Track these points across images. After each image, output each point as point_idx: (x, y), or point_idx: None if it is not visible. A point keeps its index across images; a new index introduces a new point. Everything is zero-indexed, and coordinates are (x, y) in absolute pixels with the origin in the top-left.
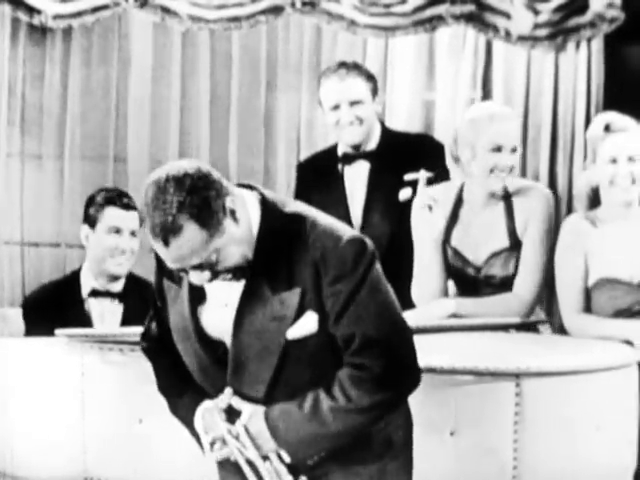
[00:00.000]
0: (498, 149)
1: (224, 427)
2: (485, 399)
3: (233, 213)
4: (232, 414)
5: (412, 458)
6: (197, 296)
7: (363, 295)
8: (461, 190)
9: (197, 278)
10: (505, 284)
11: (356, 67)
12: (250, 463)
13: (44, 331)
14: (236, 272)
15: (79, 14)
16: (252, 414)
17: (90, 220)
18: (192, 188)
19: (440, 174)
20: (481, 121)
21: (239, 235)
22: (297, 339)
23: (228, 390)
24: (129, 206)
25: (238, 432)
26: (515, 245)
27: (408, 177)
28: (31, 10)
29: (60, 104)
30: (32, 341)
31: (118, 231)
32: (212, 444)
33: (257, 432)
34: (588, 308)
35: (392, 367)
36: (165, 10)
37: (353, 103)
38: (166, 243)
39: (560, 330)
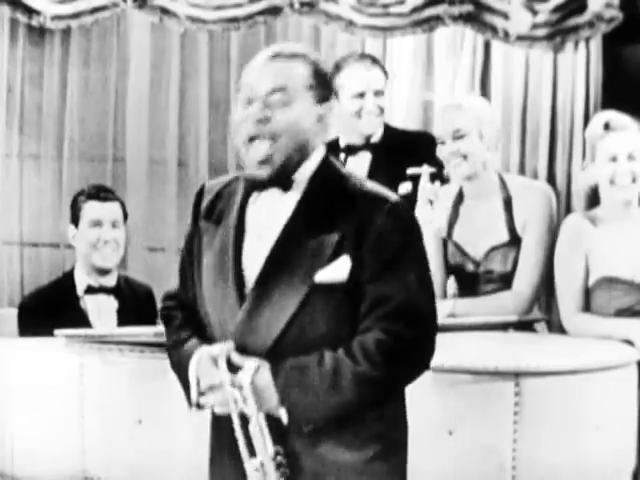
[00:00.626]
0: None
1: (226, 375)
2: (484, 398)
3: (321, 117)
4: (230, 365)
5: (405, 462)
6: (240, 229)
7: (409, 261)
8: (461, 187)
9: (255, 152)
10: (503, 280)
11: (376, 60)
12: (243, 418)
13: (41, 333)
14: (282, 175)
15: (78, 15)
16: (259, 367)
17: (74, 219)
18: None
19: (440, 171)
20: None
21: (302, 131)
22: (324, 285)
23: (230, 343)
24: (107, 198)
25: (242, 383)
26: (514, 241)
27: (411, 171)
28: (30, 11)
29: (59, 105)
30: (31, 341)
31: (99, 223)
32: (202, 393)
33: (262, 387)
34: (587, 307)
35: (421, 341)
36: (164, 11)
37: (377, 93)
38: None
39: (559, 329)
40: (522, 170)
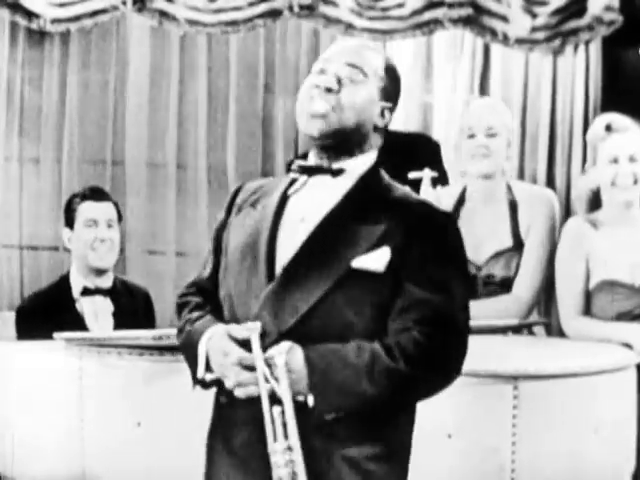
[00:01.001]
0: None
1: (259, 353)
2: (483, 401)
3: (383, 113)
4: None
5: (407, 465)
6: (279, 212)
7: (453, 269)
8: (464, 190)
9: (314, 105)
10: (505, 284)
11: None
12: (272, 398)
13: (38, 337)
14: (333, 146)
15: (77, 18)
16: (291, 348)
17: (69, 222)
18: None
19: (439, 173)
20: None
21: (363, 114)
22: (359, 272)
23: (258, 323)
24: (102, 198)
25: (276, 362)
26: (518, 246)
27: (412, 175)
28: (29, 14)
29: (58, 108)
30: (31, 345)
31: (95, 223)
32: (209, 370)
33: (294, 368)
34: (587, 311)
35: (456, 347)
36: (163, 14)
37: None
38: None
39: (558, 333)
40: (521, 173)
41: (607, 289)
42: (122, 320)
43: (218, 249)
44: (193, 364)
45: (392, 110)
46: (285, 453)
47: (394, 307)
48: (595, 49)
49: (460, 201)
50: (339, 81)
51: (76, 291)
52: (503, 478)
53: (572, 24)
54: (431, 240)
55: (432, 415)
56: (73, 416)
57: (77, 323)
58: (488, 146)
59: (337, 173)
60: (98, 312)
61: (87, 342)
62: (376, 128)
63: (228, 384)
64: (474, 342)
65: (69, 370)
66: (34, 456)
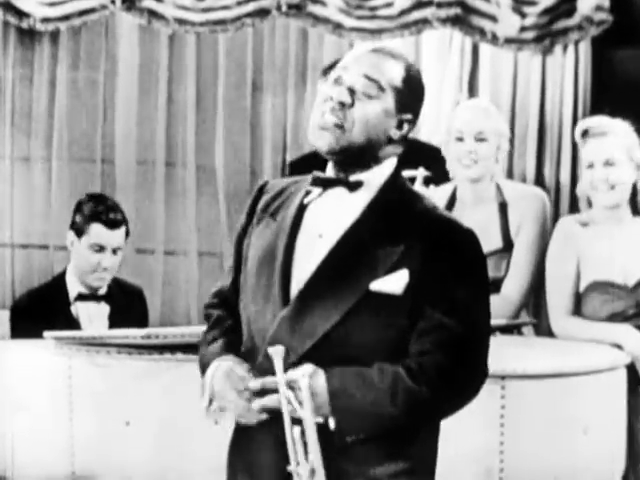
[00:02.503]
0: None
1: (282, 376)
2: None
3: (401, 124)
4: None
5: None
6: (296, 226)
7: (475, 291)
8: (454, 191)
9: (322, 120)
10: (494, 285)
11: None
12: (294, 421)
13: (32, 335)
14: (343, 161)
15: (67, 17)
16: (315, 371)
17: (76, 228)
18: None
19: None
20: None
21: (375, 129)
22: (377, 295)
23: (281, 347)
24: (115, 223)
25: (300, 385)
26: (508, 247)
27: (406, 174)
28: (20, 14)
29: (48, 106)
30: (20, 343)
31: (102, 249)
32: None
33: (315, 391)
34: (577, 312)
35: (476, 372)
36: (152, 13)
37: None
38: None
39: (547, 333)
40: (510, 173)
41: (599, 290)
42: (117, 321)
43: (239, 256)
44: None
45: (412, 121)
46: (308, 476)
47: (415, 329)
48: (584, 49)
49: (451, 202)
50: (353, 94)
51: (72, 295)
52: (491, 478)
53: (561, 24)
54: (451, 261)
55: None
56: (63, 415)
57: (72, 325)
58: (477, 151)
59: (355, 186)
60: (93, 317)
61: (77, 341)
62: (390, 140)
63: (254, 407)
64: None
65: (59, 369)
66: (23, 453)
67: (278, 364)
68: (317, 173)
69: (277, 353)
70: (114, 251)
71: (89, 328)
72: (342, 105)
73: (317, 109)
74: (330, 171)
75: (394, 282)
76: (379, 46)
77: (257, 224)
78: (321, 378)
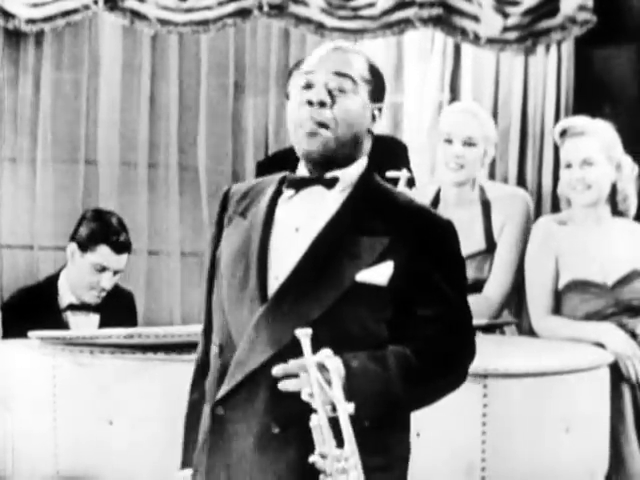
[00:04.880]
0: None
1: (310, 357)
2: (452, 400)
3: (374, 115)
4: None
5: (406, 476)
6: (269, 222)
7: (458, 279)
8: (438, 192)
9: (309, 125)
10: (478, 286)
11: None
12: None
13: (23, 336)
14: (330, 161)
15: (50, 18)
16: (330, 354)
17: (80, 242)
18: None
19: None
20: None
21: (358, 123)
22: (362, 286)
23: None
24: (123, 248)
25: (328, 367)
26: (491, 248)
27: (390, 175)
28: (6, 15)
29: (32, 107)
30: (4, 343)
31: (103, 270)
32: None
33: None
34: (557, 310)
35: (470, 352)
36: (134, 13)
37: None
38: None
39: (529, 333)
40: (492, 174)
41: (578, 289)
42: (107, 326)
43: (214, 262)
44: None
45: (381, 109)
46: (340, 461)
47: (407, 315)
48: (567, 49)
49: (434, 203)
50: (331, 93)
51: (63, 304)
52: (473, 477)
53: (544, 24)
54: (438, 252)
55: None
56: (46, 414)
57: (62, 329)
58: (464, 156)
59: (331, 183)
60: (83, 325)
61: (61, 341)
62: (369, 131)
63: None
64: None
65: (43, 368)
66: (6, 453)
67: (306, 346)
68: (291, 175)
69: (306, 335)
70: (115, 273)
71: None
72: (323, 105)
73: (297, 116)
74: (303, 169)
75: (380, 273)
76: (337, 44)
77: (228, 226)
78: (338, 362)
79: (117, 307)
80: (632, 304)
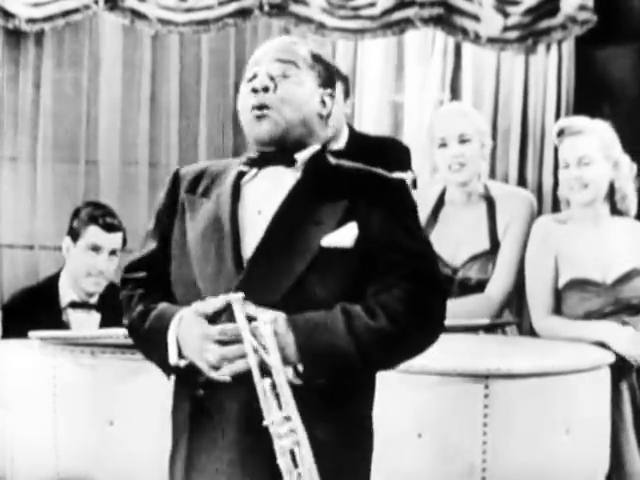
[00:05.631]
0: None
1: (245, 324)
2: (454, 400)
3: (324, 101)
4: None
5: (370, 460)
6: (235, 203)
7: (417, 230)
8: (443, 192)
9: (256, 112)
10: (481, 286)
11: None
12: (262, 370)
13: (23, 336)
14: (283, 142)
15: (50, 18)
16: (277, 317)
17: (73, 234)
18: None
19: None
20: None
21: (305, 106)
22: (330, 250)
23: (241, 293)
24: (112, 227)
25: (263, 333)
26: (495, 248)
27: (394, 176)
28: (6, 14)
29: (33, 107)
30: (5, 343)
31: (97, 249)
32: (182, 357)
33: (281, 338)
34: (557, 309)
35: (438, 302)
36: (135, 13)
37: None
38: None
39: (530, 332)
40: (492, 173)
41: (577, 288)
42: (108, 326)
43: (161, 235)
44: (160, 353)
45: (332, 95)
46: (284, 423)
47: (371, 275)
48: (568, 48)
49: (439, 203)
50: (273, 79)
51: (64, 302)
52: (474, 478)
53: (545, 23)
54: (396, 208)
55: (402, 414)
56: (46, 414)
57: (62, 329)
58: (463, 154)
59: (290, 162)
60: (84, 324)
61: (61, 341)
62: (320, 117)
63: (209, 365)
64: (445, 341)
65: (43, 369)
66: (6, 453)
67: (238, 311)
68: (251, 154)
69: (237, 300)
70: (110, 255)
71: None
72: (266, 90)
73: (244, 105)
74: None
75: (344, 236)
76: (281, 38)
77: (190, 208)
78: (282, 322)
79: (118, 306)
80: (631, 302)
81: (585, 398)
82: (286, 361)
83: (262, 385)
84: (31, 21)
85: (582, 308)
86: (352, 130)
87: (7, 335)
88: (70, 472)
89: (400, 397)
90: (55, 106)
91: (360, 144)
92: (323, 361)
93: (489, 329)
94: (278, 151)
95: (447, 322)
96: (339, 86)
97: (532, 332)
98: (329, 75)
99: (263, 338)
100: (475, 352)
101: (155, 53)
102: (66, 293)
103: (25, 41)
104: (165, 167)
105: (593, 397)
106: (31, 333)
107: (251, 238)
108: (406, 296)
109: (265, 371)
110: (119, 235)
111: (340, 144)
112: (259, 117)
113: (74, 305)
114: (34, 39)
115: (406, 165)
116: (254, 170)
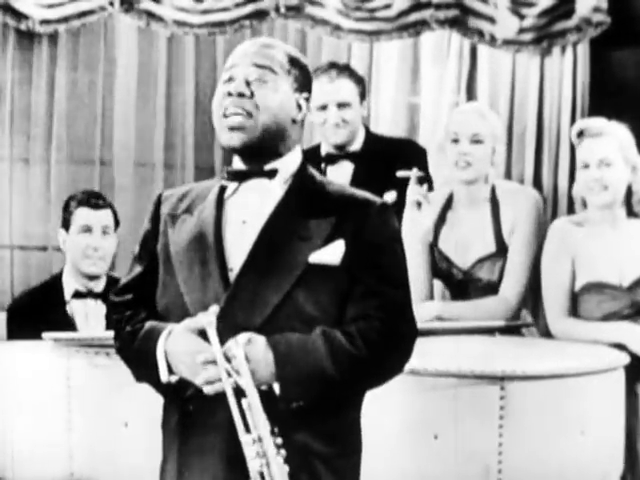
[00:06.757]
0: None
1: (218, 347)
2: (470, 402)
3: (299, 105)
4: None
5: (360, 464)
6: (219, 217)
7: (399, 258)
8: (450, 195)
9: (230, 121)
10: (491, 287)
11: (347, 69)
12: (237, 393)
13: (29, 336)
14: (260, 151)
15: (65, 19)
16: (251, 339)
17: (65, 224)
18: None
19: (427, 176)
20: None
21: (281, 111)
22: (317, 267)
23: (215, 307)
24: (98, 205)
25: (235, 354)
26: (501, 250)
27: (400, 174)
28: (19, 15)
29: (47, 108)
30: (19, 345)
31: (89, 230)
32: (171, 372)
33: (257, 359)
34: (574, 312)
35: (410, 333)
36: (150, 15)
37: (341, 105)
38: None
39: (546, 334)
40: (508, 175)
41: (594, 290)
42: None
43: (148, 257)
44: (150, 370)
45: (307, 99)
46: (253, 445)
47: (351, 295)
48: (583, 50)
49: (446, 206)
50: (249, 84)
51: (68, 293)
52: (489, 479)
53: (560, 25)
54: (374, 232)
55: (418, 416)
56: (61, 416)
57: (67, 325)
58: (472, 153)
59: (271, 175)
60: (89, 315)
61: (75, 342)
62: (294, 121)
63: (198, 382)
64: (461, 343)
65: (57, 370)
66: (21, 455)
67: (212, 334)
68: (231, 168)
69: (210, 323)
70: (104, 232)
71: (85, 327)
72: (242, 96)
73: (218, 108)
74: (238, 162)
75: (331, 253)
76: (259, 40)
77: (172, 223)
78: (259, 344)
79: None
80: None
81: (600, 399)
82: (262, 383)
83: (239, 406)
84: (45, 22)
85: (599, 311)
86: (368, 132)
87: (14, 336)
88: (84, 473)
89: (416, 399)
90: (69, 108)
91: (376, 146)
92: (300, 385)
93: (505, 331)
94: (256, 165)
95: (462, 324)
96: (355, 88)
97: (548, 334)
98: (306, 78)
99: (235, 360)
100: (491, 354)
101: (170, 55)
102: (69, 285)
103: (39, 42)
104: (181, 169)
105: (608, 398)
106: (45, 334)
107: (236, 248)
108: (381, 327)
109: (242, 391)
110: (108, 212)
111: (356, 146)
112: (233, 127)
113: (78, 295)
114: (48, 40)
115: (422, 166)
116: (235, 184)
